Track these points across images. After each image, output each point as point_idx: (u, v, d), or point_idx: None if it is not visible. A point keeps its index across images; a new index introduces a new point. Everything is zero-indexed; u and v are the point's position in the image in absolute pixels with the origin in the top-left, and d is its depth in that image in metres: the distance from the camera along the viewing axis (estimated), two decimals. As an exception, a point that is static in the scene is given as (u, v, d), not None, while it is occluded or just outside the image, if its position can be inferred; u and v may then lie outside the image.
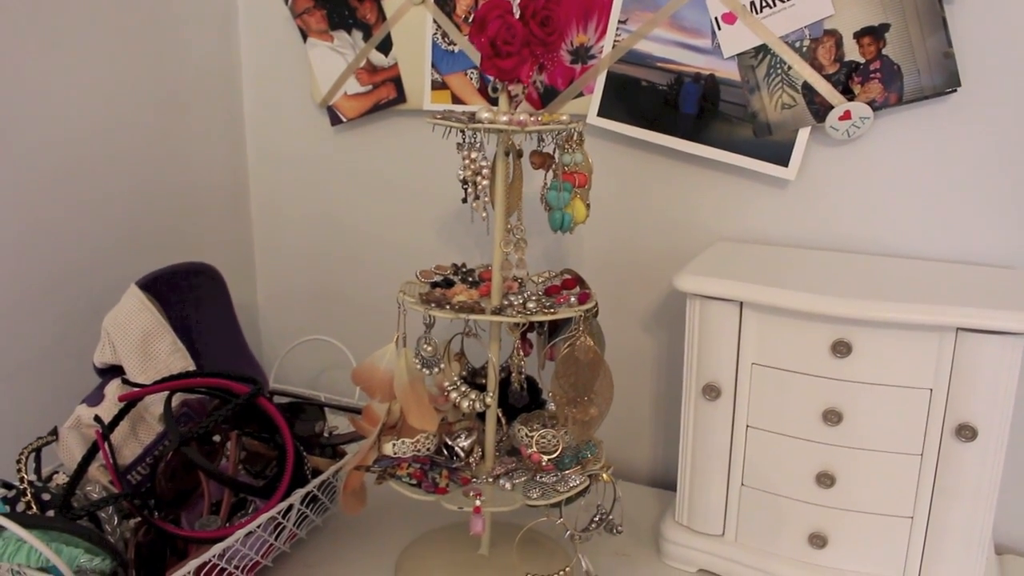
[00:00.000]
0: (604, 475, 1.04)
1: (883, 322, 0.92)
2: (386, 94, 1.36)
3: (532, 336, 1.08)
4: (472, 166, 0.90)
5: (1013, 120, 1.04)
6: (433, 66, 1.30)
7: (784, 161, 1.12)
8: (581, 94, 1.22)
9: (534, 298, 0.98)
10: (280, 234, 1.50)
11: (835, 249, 1.15)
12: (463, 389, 0.98)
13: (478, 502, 0.95)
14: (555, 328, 1.03)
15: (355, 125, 1.40)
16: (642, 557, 1.13)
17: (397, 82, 1.34)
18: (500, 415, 1.07)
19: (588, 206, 1.01)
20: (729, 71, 1.13)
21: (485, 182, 0.91)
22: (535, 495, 0.97)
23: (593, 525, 1.06)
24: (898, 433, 0.96)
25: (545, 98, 1.24)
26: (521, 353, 1.05)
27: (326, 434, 1.21)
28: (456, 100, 1.29)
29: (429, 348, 0.96)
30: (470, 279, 1.05)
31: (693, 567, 1.10)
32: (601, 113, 1.20)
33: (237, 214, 1.50)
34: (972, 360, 0.92)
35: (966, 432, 0.93)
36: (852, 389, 0.96)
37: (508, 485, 1.00)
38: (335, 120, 1.41)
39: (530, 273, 1.08)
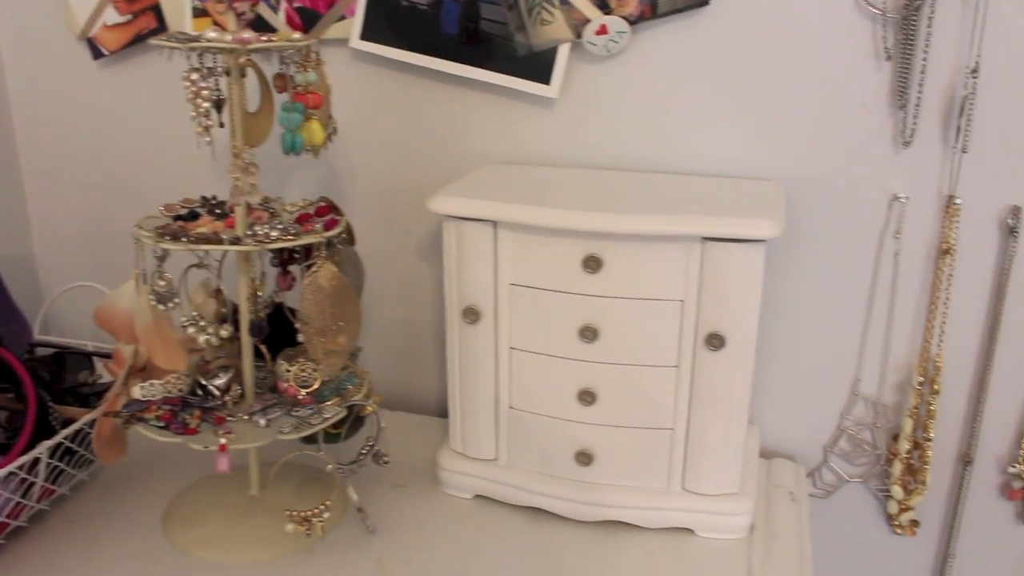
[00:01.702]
0: (368, 406, 1.01)
1: (629, 234, 0.92)
2: (147, 24, 1.28)
3: (295, 269, 1.04)
4: (192, 88, 0.85)
5: (763, 33, 1.05)
6: (195, -8, 1.23)
7: (546, 79, 1.11)
8: (344, 17, 1.17)
9: (280, 227, 0.93)
10: (51, 179, 1.41)
11: (600, 167, 1.14)
12: (201, 324, 0.94)
13: (223, 440, 0.91)
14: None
15: (119, 58, 1.32)
16: (420, 487, 1.12)
17: (157, 10, 1.27)
18: (265, 351, 1.03)
19: (333, 130, 0.97)
20: (488, -12, 1.10)
21: (206, 104, 0.85)
22: (287, 429, 0.94)
23: (361, 457, 1.04)
24: (653, 346, 0.96)
25: (308, 22, 1.18)
26: (279, 286, 1.02)
27: (90, 383, 1.14)
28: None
29: (163, 283, 0.91)
30: (218, 211, 1.00)
31: (469, 493, 1.09)
32: (364, 36, 1.16)
33: (2, 159, 1.39)
34: (718, 270, 0.92)
35: (715, 341, 0.94)
36: (606, 304, 0.96)
37: (263, 421, 0.96)
38: (97, 54, 1.33)
39: (286, 202, 1.03)
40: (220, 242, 0.91)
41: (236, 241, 0.91)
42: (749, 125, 1.09)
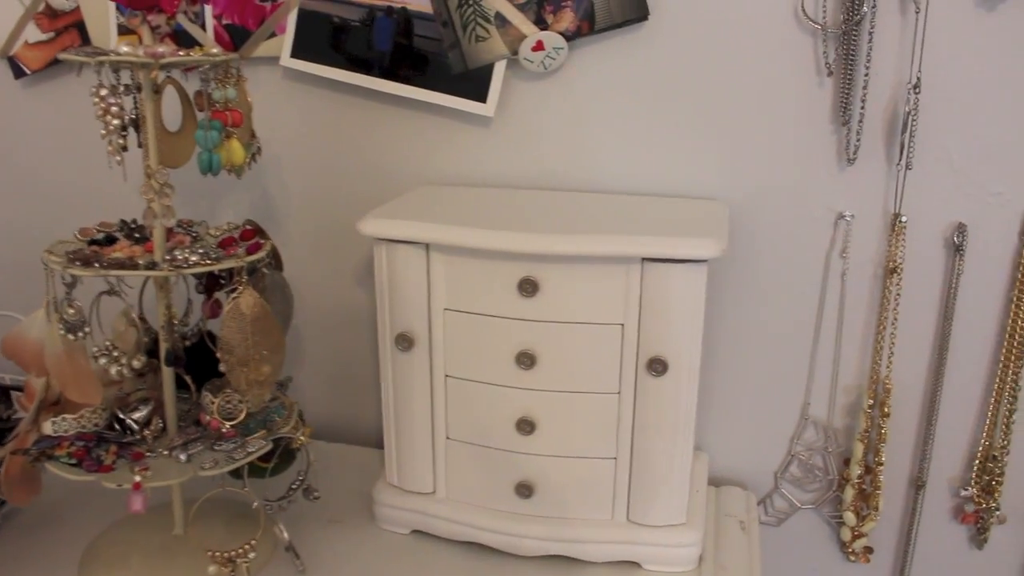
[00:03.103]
0: (297, 439, 0.96)
1: (565, 256, 0.89)
2: (70, 42, 1.23)
3: (222, 296, 1.00)
4: (101, 104, 0.80)
5: (704, 49, 1.03)
6: (118, 9, 1.18)
7: (482, 97, 1.07)
8: (274, 34, 1.13)
9: (200, 251, 0.89)
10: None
11: (539, 187, 1.11)
12: (115, 354, 0.88)
13: (138, 478, 0.86)
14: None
15: (42, 77, 1.26)
16: (356, 522, 1.07)
17: (81, 28, 1.22)
18: (190, 382, 0.98)
19: (257, 150, 0.93)
20: (421, 3, 1.06)
21: (116, 121, 0.81)
22: (208, 465, 0.89)
23: (290, 492, 0.99)
24: (594, 372, 0.93)
25: (238, 40, 1.14)
26: (204, 314, 0.98)
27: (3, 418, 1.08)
28: (143, 45, 1.17)
29: (72, 311, 0.86)
30: (137, 235, 0.95)
31: (406, 529, 1.05)
32: (295, 54, 1.12)
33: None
34: (659, 292, 0.89)
35: (657, 366, 0.91)
36: (543, 329, 0.92)
37: (183, 456, 0.91)
38: (18, 72, 1.27)
39: (209, 226, 0.99)
40: (135, 267, 0.86)
41: (152, 266, 0.86)
42: (690, 143, 1.07)
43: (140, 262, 0.87)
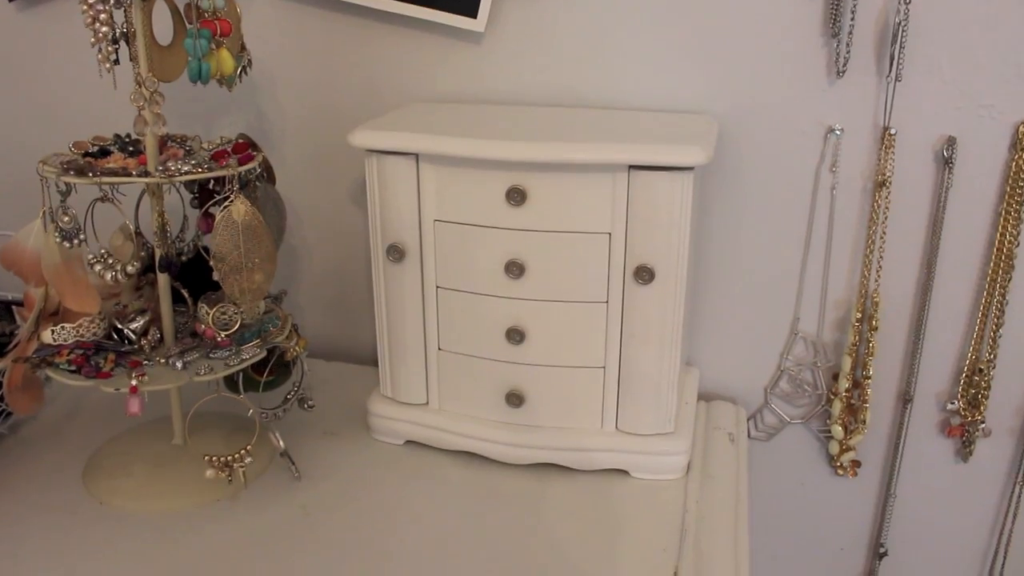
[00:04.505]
0: (293, 348, 0.98)
1: (552, 163, 0.89)
2: (63, -38, 1.23)
3: (216, 211, 1.01)
4: (89, 12, 0.81)
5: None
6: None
7: (473, 12, 1.07)
8: (266, -49, 1.13)
9: (193, 162, 0.90)
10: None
11: (529, 103, 1.11)
12: (109, 261, 0.90)
13: (134, 382, 0.88)
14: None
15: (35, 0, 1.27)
16: (351, 435, 1.09)
17: (74, -52, 1.21)
18: (186, 295, 1.00)
19: (248, 62, 0.94)
20: (412, -83, 1.06)
21: (104, 29, 0.82)
22: (203, 372, 0.91)
23: (286, 402, 1.01)
24: (581, 281, 0.94)
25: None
26: (200, 228, 0.99)
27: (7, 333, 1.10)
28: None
29: (67, 219, 0.87)
30: (131, 148, 0.96)
31: (400, 439, 1.07)
32: (285, -30, 1.12)
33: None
34: (645, 200, 0.90)
35: (644, 275, 0.91)
36: (531, 239, 0.93)
37: (179, 364, 0.93)
38: (12, -5, 1.27)
39: (203, 141, 1.00)
40: (129, 175, 0.87)
41: (145, 174, 0.87)
42: (681, 56, 1.06)
43: (133, 171, 0.88)
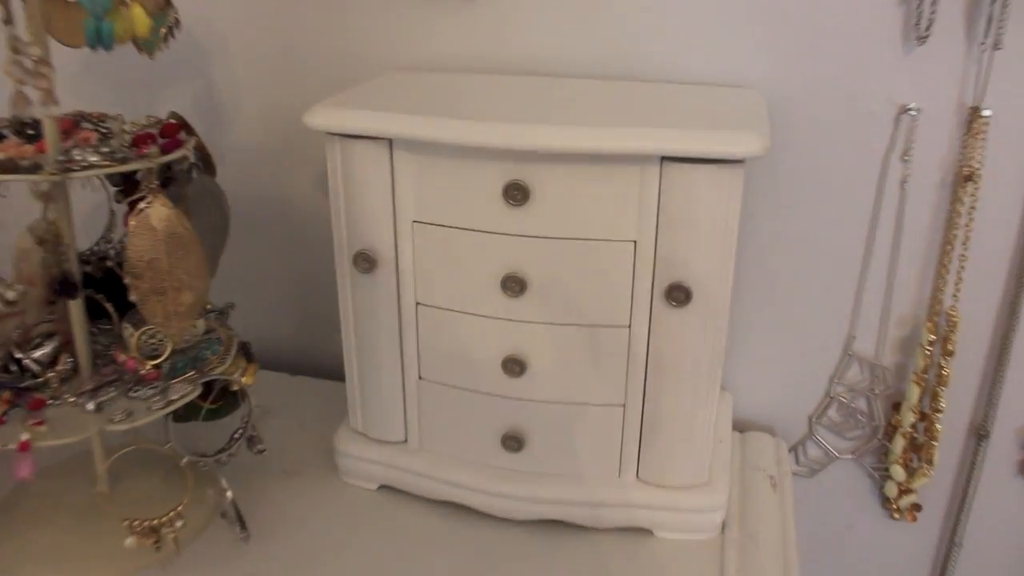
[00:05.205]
0: (238, 380, 0.80)
1: (564, 153, 0.72)
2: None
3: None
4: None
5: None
6: None
7: (465, -40, 0.88)
8: None
9: (105, 150, 0.71)
10: None
11: (530, 73, 0.94)
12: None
13: (25, 435, 0.69)
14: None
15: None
16: (316, 474, 0.94)
17: None
18: (112, 311, 0.82)
19: (175, 22, 0.74)
20: None
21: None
22: (119, 417, 0.73)
23: (231, 444, 0.83)
24: (599, 301, 0.78)
25: None
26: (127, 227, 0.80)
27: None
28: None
29: (-68, 222, 0.67)
30: (31, 132, 0.77)
31: (373, 483, 0.91)
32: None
33: None
34: (682, 200, 0.73)
35: (678, 294, 0.75)
36: (535, 247, 0.76)
37: (91, 405, 0.75)
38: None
39: (126, 121, 0.81)
40: (14, 170, 0.68)
41: (34, 169, 0.68)
42: (720, 19, 0.88)
43: (23, 163, 0.69)
